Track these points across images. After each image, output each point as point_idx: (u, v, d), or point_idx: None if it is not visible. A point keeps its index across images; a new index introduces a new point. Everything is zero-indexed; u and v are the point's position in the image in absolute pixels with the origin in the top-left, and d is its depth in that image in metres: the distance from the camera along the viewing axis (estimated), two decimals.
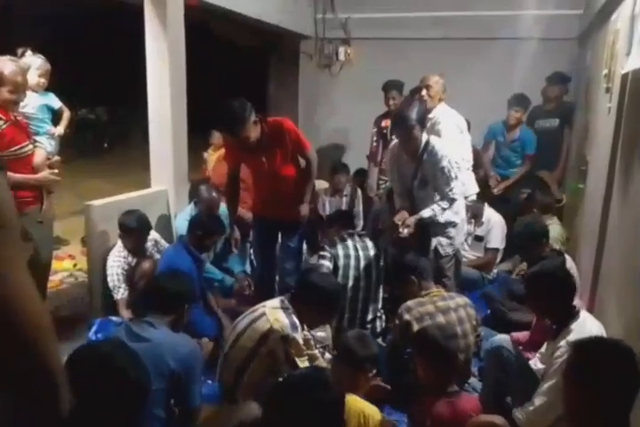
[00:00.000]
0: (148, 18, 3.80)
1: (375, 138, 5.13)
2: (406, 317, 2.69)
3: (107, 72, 11.41)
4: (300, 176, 3.45)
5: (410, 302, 2.77)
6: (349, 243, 3.44)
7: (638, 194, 2.30)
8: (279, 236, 3.68)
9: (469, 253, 4.46)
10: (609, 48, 3.51)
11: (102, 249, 3.55)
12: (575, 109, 5.29)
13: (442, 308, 2.76)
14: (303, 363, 2.45)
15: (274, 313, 2.48)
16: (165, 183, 4.04)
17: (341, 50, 5.98)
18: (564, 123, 5.29)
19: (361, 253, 3.39)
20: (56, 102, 3.64)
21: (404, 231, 3.35)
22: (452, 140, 3.88)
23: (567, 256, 3.29)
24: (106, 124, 11.42)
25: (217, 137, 5.39)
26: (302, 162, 3.46)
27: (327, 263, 3.31)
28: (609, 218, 2.85)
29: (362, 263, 3.35)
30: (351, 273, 3.33)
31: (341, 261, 3.34)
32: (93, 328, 3.17)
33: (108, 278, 3.42)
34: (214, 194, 4.00)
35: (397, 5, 5.74)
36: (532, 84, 5.36)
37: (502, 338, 2.65)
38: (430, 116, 4.08)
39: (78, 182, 7.14)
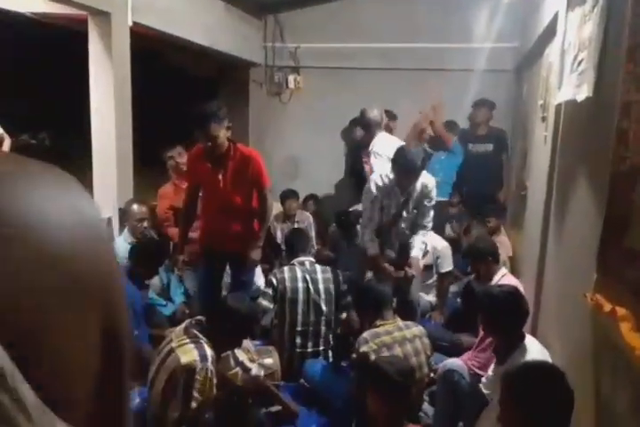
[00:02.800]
0: (91, 45, 3.73)
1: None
2: (364, 348, 2.68)
3: (50, 97, 11.16)
4: (252, 214, 3.44)
5: (366, 334, 2.75)
6: (296, 268, 3.43)
7: (574, 220, 2.40)
8: (227, 268, 3.62)
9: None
10: (544, 80, 3.70)
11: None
12: (507, 135, 5.54)
13: (398, 338, 2.75)
14: (199, 396, 2.29)
15: (181, 348, 2.37)
16: (109, 211, 3.93)
17: (291, 78, 6.07)
18: (499, 148, 5.54)
19: (309, 276, 3.37)
20: None
21: (412, 272, 3.54)
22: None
23: (515, 280, 3.37)
24: (48, 150, 11.11)
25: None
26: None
27: (265, 303, 3.32)
28: (547, 244, 2.95)
29: (311, 286, 3.33)
30: (299, 299, 3.31)
31: (288, 285, 3.33)
32: None
33: None
34: (139, 207, 3.89)
35: (345, 36, 5.90)
36: (468, 113, 5.61)
37: (454, 362, 2.68)
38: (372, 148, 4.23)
39: None
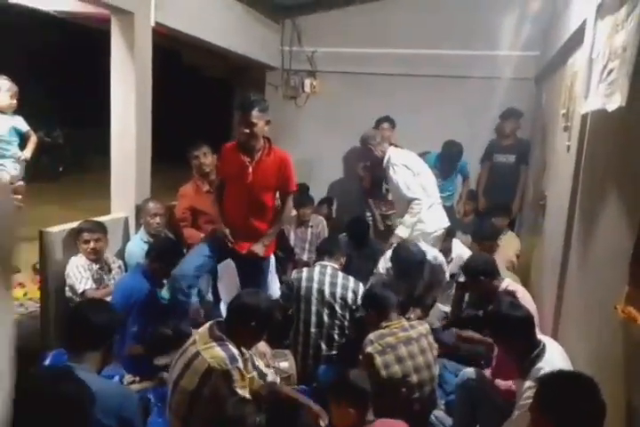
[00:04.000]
0: (114, 44, 3.76)
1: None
2: (369, 349, 2.68)
3: (65, 95, 11.23)
4: (273, 216, 3.43)
5: (371, 335, 2.76)
6: (316, 269, 3.42)
7: (602, 230, 2.37)
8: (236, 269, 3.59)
9: None
10: (567, 89, 3.67)
11: (57, 277, 3.40)
12: (531, 146, 5.52)
13: (403, 338, 2.76)
14: (245, 391, 2.33)
15: (209, 351, 2.35)
16: (127, 210, 3.94)
17: (307, 82, 6.07)
18: (520, 159, 5.55)
19: (327, 278, 3.34)
20: (24, 126, 3.54)
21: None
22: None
23: (520, 287, 3.33)
24: (62, 148, 11.15)
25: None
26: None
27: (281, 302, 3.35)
28: (570, 253, 2.92)
29: (327, 289, 3.30)
30: (314, 298, 3.29)
31: (303, 284, 3.33)
32: (47, 360, 3.00)
33: (69, 281, 3.30)
34: (155, 204, 3.89)
35: (362, 42, 5.90)
36: (489, 120, 5.60)
37: (471, 371, 2.65)
38: (383, 165, 4.22)
39: (29, 207, 6.89)
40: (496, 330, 2.43)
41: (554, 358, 2.32)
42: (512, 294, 3.13)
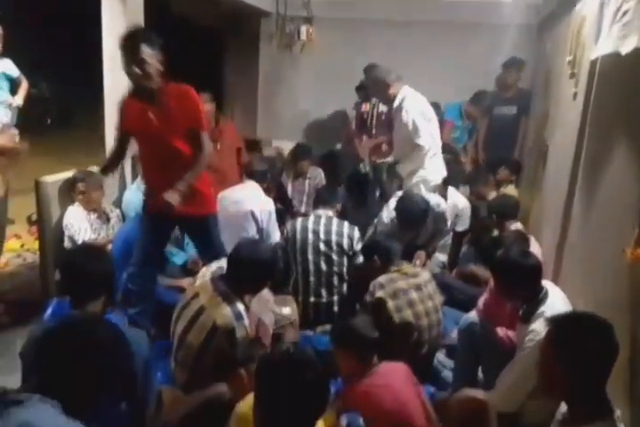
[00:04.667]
0: None
1: (355, 122, 5.30)
2: (379, 293, 2.69)
3: (52, 49, 10.87)
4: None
5: (381, 279, 2.77)
6: (310, 218, 3.42)
7: (609, 176, 2.36)
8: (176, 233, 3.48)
9: None
10: (574, 35, 3.57)
11: (55, 227, 3.37)
12: (532, 97, 5.43)
13: (413, 284, 2.78)
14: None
15: (214, 307, 2.34)
16: None
17: (303, 29, 5.87)
18: (521, 110, 5.47)
19: (322, 227, 3.34)
20: (14, 70, 3.37)
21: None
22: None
23: (532, 237, 3.38)
24: (48, 102, 10.88)
25: None
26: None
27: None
28: (574, 200, 2.92)
29: (322, 237, 3.30)
30: (309, 248, 3.30)
31: (298, 235, 3.33)
32: (49, 310, 3.00)
33: (68, 232, 3.28)
34: None
35: None
36: (490, 69, 5.48)
37: (473, 316, 2.69)
38: (394, 105, 4.11)
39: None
40: (503, 277, 2.43)
41: (555, 302, 2.35)
42: (524, 236, 3.18)
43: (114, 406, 1.83)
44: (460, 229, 4.26)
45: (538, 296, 2.35)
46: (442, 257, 4.44)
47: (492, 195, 4.60)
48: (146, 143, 2.97)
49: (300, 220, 3.46)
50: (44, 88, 10.83)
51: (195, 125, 2.89)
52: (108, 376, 1.46)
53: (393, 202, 3.80)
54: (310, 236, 3.32)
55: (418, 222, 3.60)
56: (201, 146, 2.90)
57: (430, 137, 4.11)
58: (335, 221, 3.41)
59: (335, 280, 3.32)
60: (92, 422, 1.40)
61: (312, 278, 3.30)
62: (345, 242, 3.31)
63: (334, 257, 3.30)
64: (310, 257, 3.30)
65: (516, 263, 2.37)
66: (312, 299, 3.31)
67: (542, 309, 2.31)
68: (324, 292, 3.31)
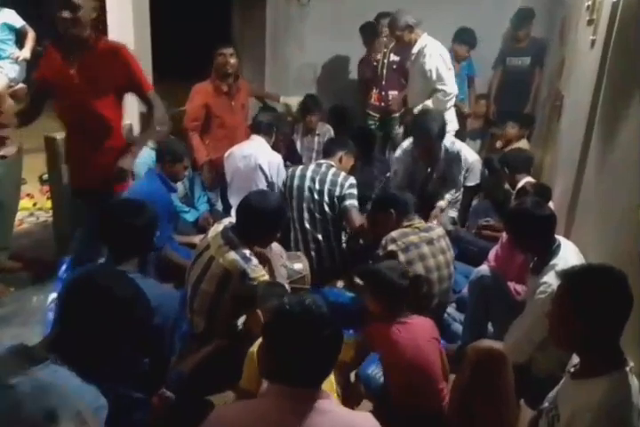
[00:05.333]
0: None
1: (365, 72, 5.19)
2: (391, 247, 2.70)
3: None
4: (122, 140, 2.76)
5: (394, 233, 2.77)
6: (310, 166, 3.43)
7: (625, 129, 2.29)
8: None
9: None
10: None
11: (67, 185, 3.37)
12: (547, 46, 5.25)
13: (425, 238, 2.79)
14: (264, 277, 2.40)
15: (222, 255, 2.39)
16: (130, 118, 3.82)
17: None
18: (535, 61, 5.29)
19: (318, 176, 3.33)
20: (18, 20, 3.24)
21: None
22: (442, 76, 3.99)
23: None
24: None
25: None
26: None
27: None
28: (589, 153, 2.85)
29: (317, 186, 3.31)
30: (305, 195, 3.32)
31: (295, 182, 3.35)
32: (63, 267, 3.05)
33: None
34: None
35: None
36: (502, 16, 5.28)
37: (486, 269, 2.71)
38: (413, 51, 3.99)
39: None
40: (518, 227, 2.43)
41: (568, 255, 2.34)
42: (544, 188, 3.15)
43: (134, 363, 1.88)
44: (470, 183, 4.22)
45: (550, 248, 2.34)
46: (452, 213, 4.42)
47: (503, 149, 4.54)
48: (64, 103, 2.66)
49: (299, 167, 3.46)
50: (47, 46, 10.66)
51: (140, 89, 2.66)
52: (125, 332, 1.49)
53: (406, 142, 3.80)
54: (307, 183, 3.33)
55: (432, 141, 3.52)
56: (153, 106, 2.66)
57: (453, 84, 4.08)
58: (333, 170, 3.39)
59: (331, 230, 3.35)
60: (108, 381, 1.44)
61: (307, 225, 3.34)
62: (337, 190, 3.30)
63: (326, 208, 3.32)
64: (304, 205, 3.32)
65: (529, 213, 2.36)
66: (312, 245, 3.35)
67: (554, 261, 2.31)
68: (320, 237, 3.34)
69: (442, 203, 3.71)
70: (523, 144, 4.76)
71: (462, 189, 4.28)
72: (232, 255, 2.38)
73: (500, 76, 5.45)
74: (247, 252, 2.41)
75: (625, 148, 2.26)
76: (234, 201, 3.73)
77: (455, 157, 3.77)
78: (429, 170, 3.78)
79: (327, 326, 1.39)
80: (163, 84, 5.32)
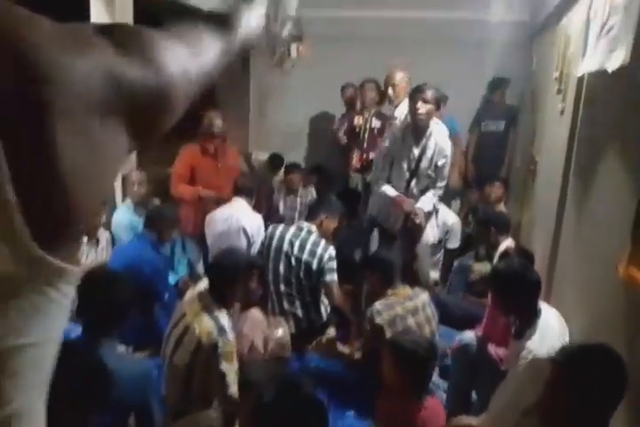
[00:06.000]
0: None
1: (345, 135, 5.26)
2: (378, 321, 2.65)
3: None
4: None
5: (379, 305, 2.71)
6: (291, 228, 3.39)
7: (599, 191, 2.35)
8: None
9: None
10: (560, 51, 3.61)
11: None
12: (520, 112, 5.48)
13: (410, 309, 2.74)
14: (230, 365, 2.29)
15: (198, 322, 2.32)
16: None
17: (293, 47, 5.85)
18: (509, 126, 5.50)
19: (297, 242, 3.29)
20: None
21: (417, 220, 3.51)
22: None
23: None
24: None
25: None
26: None
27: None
28: (564, 216, 2.91)
29: (296, 250, 3.27)
30: (282, 258, 3.28)
31: (274, 243, 3.32)
32: None
33: None
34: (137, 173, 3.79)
35: (348, 4, 5.73)
36: (477, 86, 5.54)
37: (470, 335, 2.66)
38: (396, 114, 4.11)
39: None
40: (504, 288, 2.38)
41: (550, 320, 2.33)
42: (527, 253, 3.16)
43: None
44: (450, 246, 4.24)
45: (534, 312, 2.32)
46: (433, 274, 4.42)
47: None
48: None
49: (280, 227, 3.42)
50: None
51: None
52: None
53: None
54: (286, 247, 3.29)
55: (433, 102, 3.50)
56: None
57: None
58: (313, 238, 3.32)
59: (307, 291, 3.30)
60: None
61: (283, 287, 3.29)
62: (314, 262, 3.24)
63: (301, 275, 3.27)
64: (281, 267, 3.29)
65: (518, 274, 2.34)
66: (287, 306, 3.29)
67: (536, 326, 2.29)
68: (296, 300, 3.29)
69: (421, 203, 3.61)
70: (500, 207, 4.83)
71: (443, 251, 4.32)
72: (207, 323, 2.31)
73: (477, 138, 5.64)
74: (225, 320, 2.34)
75: (598, 211, 2.32)
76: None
77: (442, 150, 3.63)
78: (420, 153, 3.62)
79: (310, 407, 1.34)
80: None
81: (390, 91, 4.20)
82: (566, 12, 3.59)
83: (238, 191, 3.89)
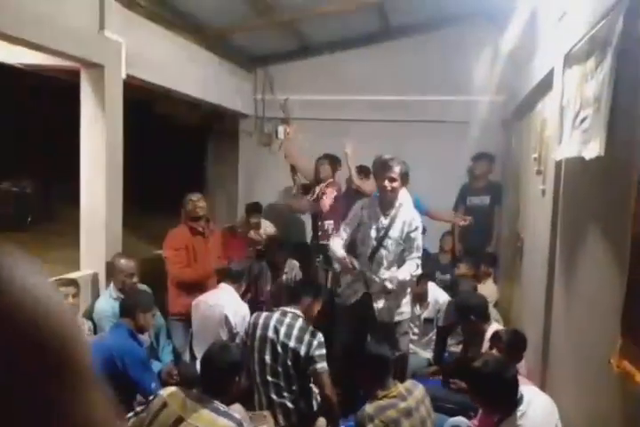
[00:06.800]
0: (84, 97, 3.67)
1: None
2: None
3: (33, 145, 11.10)
4: None
5: (370, 410, 2.52)
6: (275, 315, 3.20)
7: (585, 276, 2.33)
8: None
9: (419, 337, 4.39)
10: (537, 134, 3.73)
11: None
12: (503, 188, 5.58)
13: (404, 411, 2.55)
14: None
15: (207, 420, 2.24)
16: (96, 266, 3.77)
17: (280, 129, 6.06)
18: (494, 201, 5.58)
19: (283, 329, 3.11)
20: None
21: (390, 286, 3.43)
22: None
23: None
24: (30, 198, 10.92)
25: None
26: None
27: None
28: (553, 302, 2.87)
29: (281, 340, 3.08)
30: (268, 347, 3.10)
31: (258, 332, 3.14)
32: None
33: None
34: (127, 262, 3.70)
35: (334, 89, 5.99)
36: (461, 164, 5.68)
37: (460, 420, 2.55)
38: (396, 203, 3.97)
39: None
40: (478, 388, 2.37)
41: (536, 415, 2.28)
42: (519, 336, 3.05)
43: None
44: (442, 324, 4.15)
45: (514, 408, 2.25)
46: (426, 354, 4.30)
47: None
48: None
49: (264, 315, 3.23)
50: (26, 185, 10.93)
51: None
52: None
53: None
54: (270, 335, 3.11)
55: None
56: None
57: None
58: (299, 323, 3.15)
59: (294, 381, 3.11)
60: None
61: (270, 378, 3.09)
62: (302, 349, 3.07)
63: (289, 363, 3.09)
64: (267, 357, 3.10)
65: (493, 376, 2.31)
66: (275, 397, 3.10)
67: (520, 422, 2.21)
68: (284, 391, 3.11)
69: (401, 274, 3.48)
70: (489, 284, 4.81)
71: (435, 329, 4.23)
72: (223, 422, 2.26)
73: (462, 214, 5.69)
74: (239, 417, 2.30)
75: (588, 295, 2.28)
76: (198, 351, 3.56)
77: (413, 216, 3.59)
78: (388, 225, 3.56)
79: None
80: (144, 218, 5.45)
81: (387, 184, 3.85)
82: (541, 96, 3.74)
83: (226, 277, 3.84)
